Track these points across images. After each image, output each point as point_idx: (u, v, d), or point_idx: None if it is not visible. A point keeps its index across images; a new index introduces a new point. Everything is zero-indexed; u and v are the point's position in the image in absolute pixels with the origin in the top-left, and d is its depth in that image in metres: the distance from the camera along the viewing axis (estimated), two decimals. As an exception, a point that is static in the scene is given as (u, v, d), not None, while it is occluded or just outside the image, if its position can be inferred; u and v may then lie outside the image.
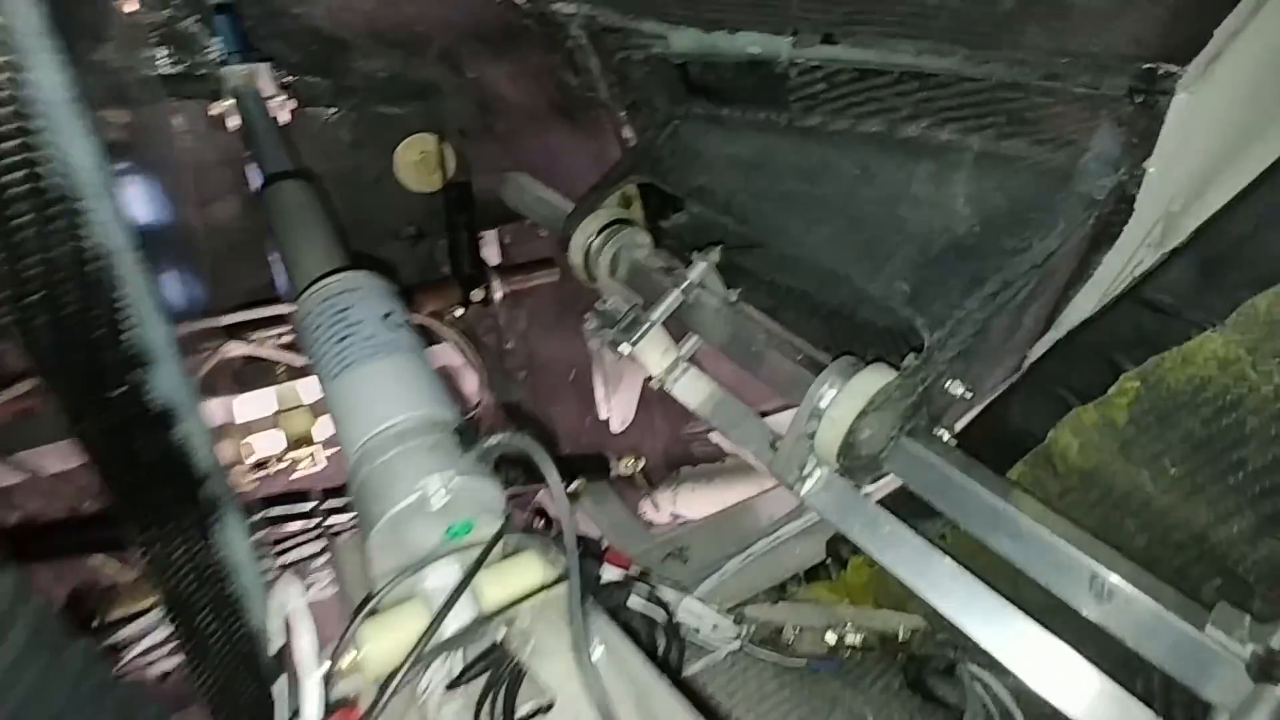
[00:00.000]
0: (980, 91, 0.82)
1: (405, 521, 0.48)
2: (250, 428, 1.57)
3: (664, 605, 0.69)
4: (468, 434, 0.50)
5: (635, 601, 0.65)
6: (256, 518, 0.88)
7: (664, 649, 0.68)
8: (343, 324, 0.56)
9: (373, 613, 0.49)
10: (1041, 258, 0.76)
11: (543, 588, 0.50)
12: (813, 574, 1.07)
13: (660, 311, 0.93)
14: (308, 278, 0.61)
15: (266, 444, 1.56)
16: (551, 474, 0.48)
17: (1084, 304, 0.85)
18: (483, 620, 0.49)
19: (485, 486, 0.51)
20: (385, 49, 1.37)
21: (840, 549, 1.01)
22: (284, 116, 1.09)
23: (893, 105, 0.89)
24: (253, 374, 1.51)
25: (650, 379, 0.96)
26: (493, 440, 0.49)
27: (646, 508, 1.70)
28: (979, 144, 0.85)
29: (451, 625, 0.48)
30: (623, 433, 1.81)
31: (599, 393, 1.09)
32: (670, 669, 0.70)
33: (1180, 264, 0.62)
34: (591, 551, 0.87)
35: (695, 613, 0.85)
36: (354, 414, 0.52)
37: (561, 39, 1.14)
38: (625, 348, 0.94)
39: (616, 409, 1.10)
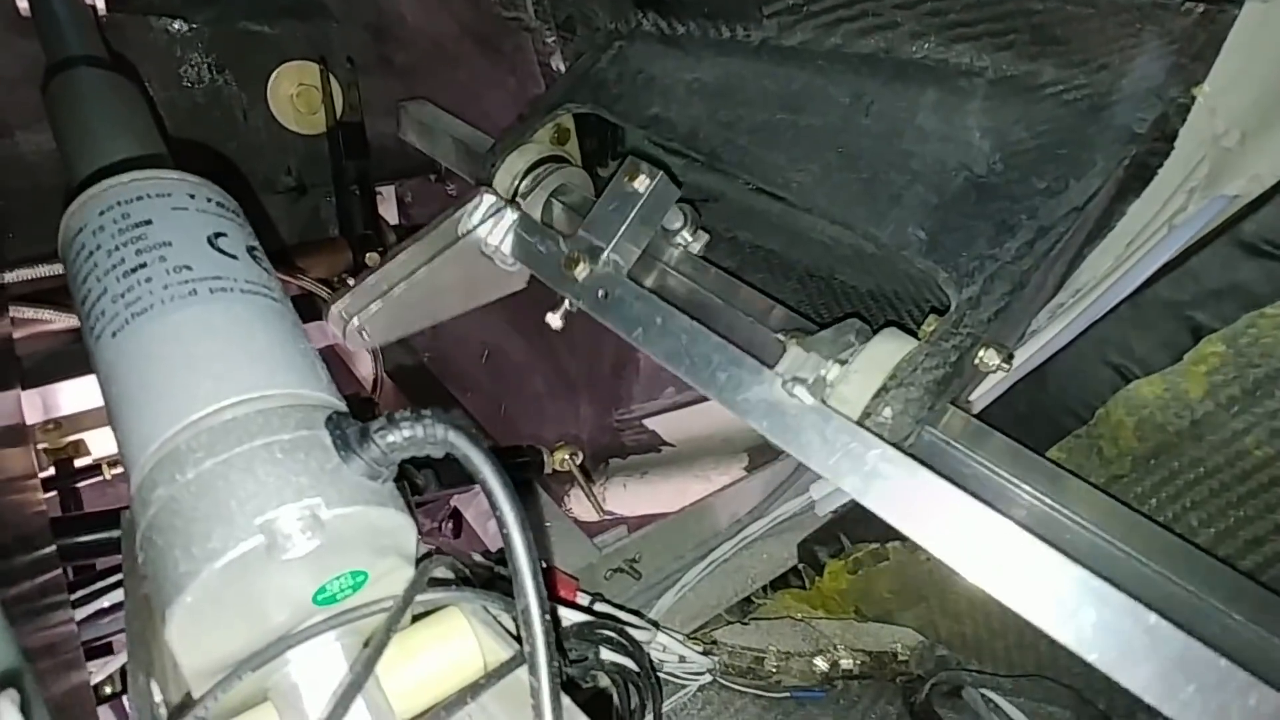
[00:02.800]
0: (1001, 3, 0.68)
1: (236, 583, 0.26)
2: (81, 421, 1.27)
3: (640, 649, 0.51)
4: (350, 426, 0.30)
5: (609, 655, 0.47)
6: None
7: (641, 703, 0.50)
8: (136, 246, 0.33)
9: (190, 732, 0.29)
10: (1082, 200, 0.63)
11: (491, 674, 0.31)
12: (779, 582, 0.92)
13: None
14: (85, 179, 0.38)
15: (102, 443, 1.26)
16: (495, 483, 0.29)
17: (1100, 261, 0.73)
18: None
19: (383, 514, 0.29)
20: (252, -52, 1.10)
21: (817, 552, 0.86)
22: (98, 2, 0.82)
23: (892, 20, 0.74)
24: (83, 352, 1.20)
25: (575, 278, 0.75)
26: (397, 432, 0.29)
27: (572, 503, 1.52)
28: (996, 68, 0.71)
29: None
30: (546, 422, 1.61)
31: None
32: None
33: (1298, 195, 0.50)
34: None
35: (660, 644, 0.68)
36: (147, 395, 0.29)
37: (477, -64, 0.92)
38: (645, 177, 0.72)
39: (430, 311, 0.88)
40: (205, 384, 0.29)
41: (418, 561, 0.33)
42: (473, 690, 0.30)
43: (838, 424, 0.55)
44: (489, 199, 0.79)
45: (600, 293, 0.70)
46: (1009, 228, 0.63)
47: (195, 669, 0.29)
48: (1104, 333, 0.60)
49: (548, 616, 0.28)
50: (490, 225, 0.79)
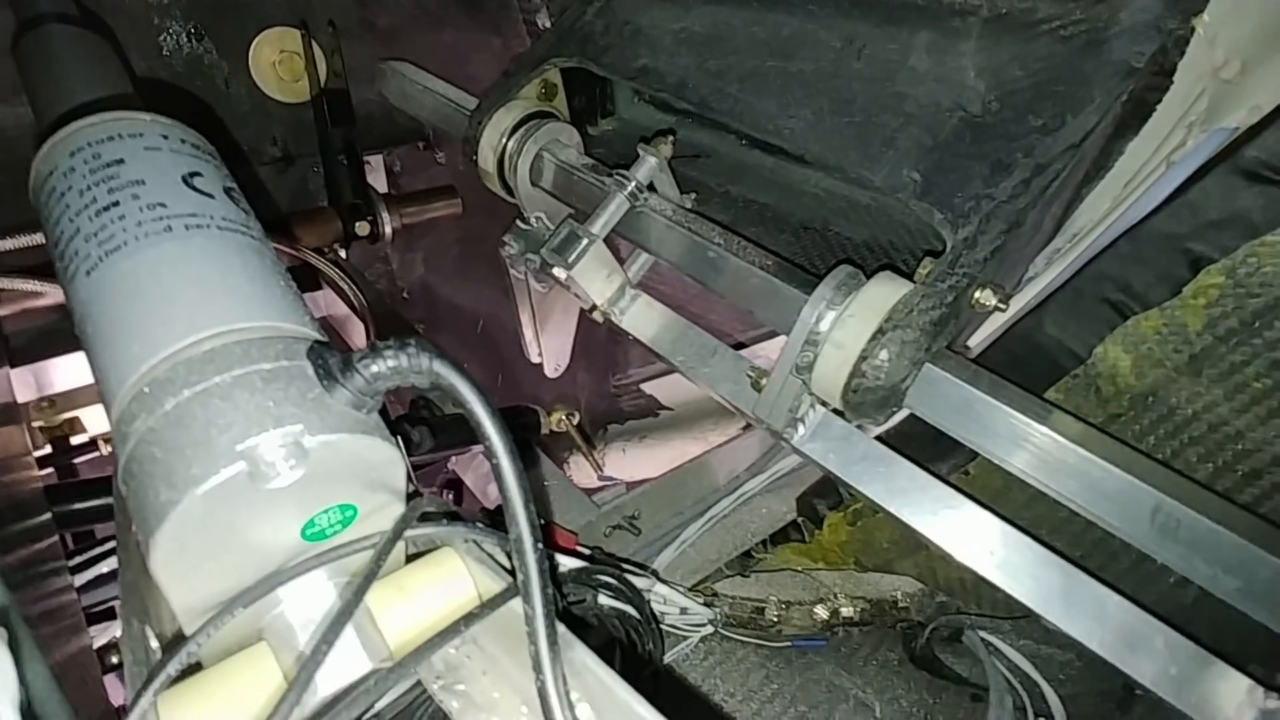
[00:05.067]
0: (995, -64, 0.66)
1: (219, 512, 0.26)
2: (75, 398, 1.26)
3: (638, 594, 0.51)
4: (332, 355, 0.29)
5: (607, 601, 0.47)
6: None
7: (642, 648, 0.50)
8: (108, 186, 0.32)
9: (184, 674, 0.29)
10: (1079, 136, 0.62)
11: (485, 605, 0.31)
12: (780, 536, 0.92)
13: (602, 223, 0.73)
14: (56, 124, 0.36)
15: (97, 420, 1.26)
16: (481, 411, 0.28)
17: (1099, 203, 0.72)
18: (384, 673, 0.29)
19: (369, 444, 0.28)
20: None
21: (816, 505, 0.86)
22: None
23: (884, -41, 0.72)
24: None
25: (592, 309, 0.77)
26: (381, 362, 0.28)
27: (572, 469, 1.52)
28: (990, 6, 0.69)
29: (328, 683, 0.28)
30: (543, 389, 1.60)
31: (527, 332, 0.89)
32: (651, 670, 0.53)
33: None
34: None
35: (660, 596, 0.68)
36: (122, 331, 0.28)
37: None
38: (560, 271, 0.73)
39: (550, 349, 0.90)
40: (182, 316, 0.28)
41: (409, 499, 0.33)
42: (466, 620, 0.30)
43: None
44: (508, 251, 0.79)
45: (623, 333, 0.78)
46: (1005, 167, 0.62)
47: (185, 605, 0.28)
48: (1101, 269, 0.59)
49: (540, 545, 0.28)
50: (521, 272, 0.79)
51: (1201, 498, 0.48)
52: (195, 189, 0.34)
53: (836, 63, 0.73)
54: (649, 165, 0.72)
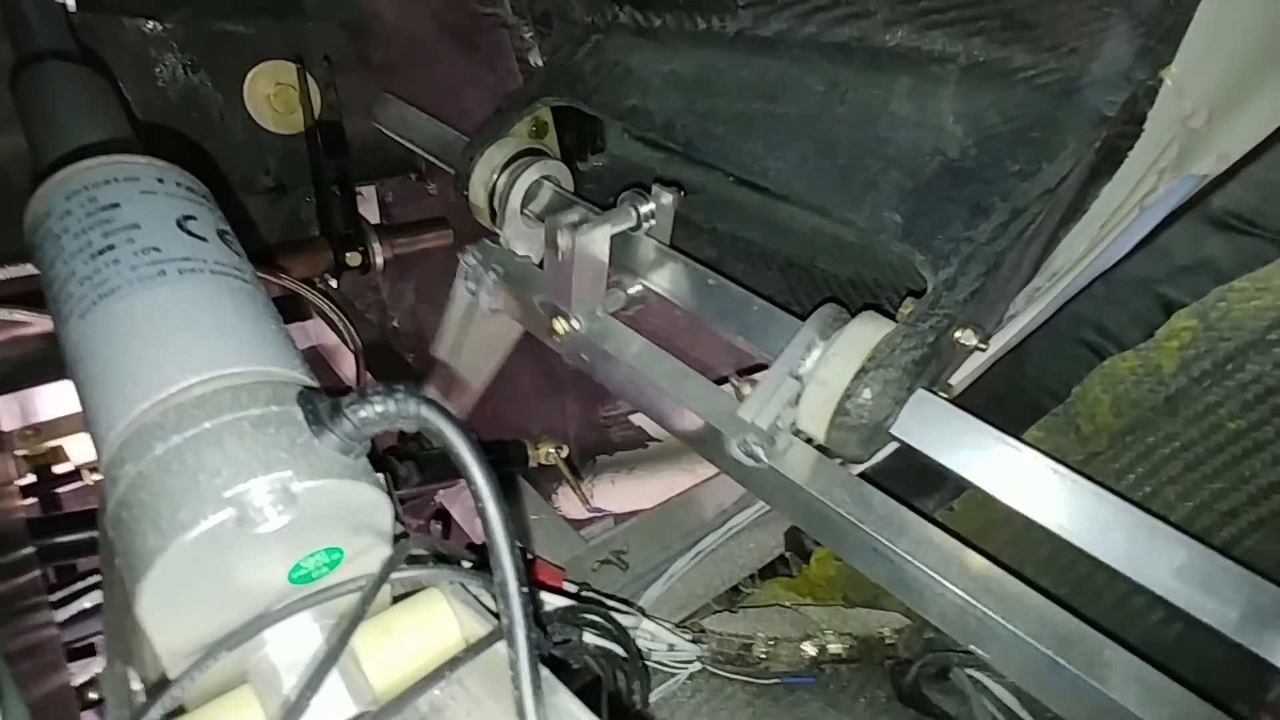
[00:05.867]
0: (973, -12, 0.69)
1: (207, 557, 0.26)
2: (60, 427, 1.25)
3: (624, 633, 0.51)
4: (321, 401, 0.29)
5: (593, 639, 0.47)
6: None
7: (628, 687, 0.50)
8: (103, 229, 0.33)
9: (167, 717, 0.29)
10: (1054, 181, 0.64)
11: (469, 649, 0.31)
12: (768, 570, 0.92)
13: (616, 216, 0.72)
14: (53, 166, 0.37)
15: (82, 449, 1.25)
16: (469, 456, 0.29)
17: (1075, 244, 0.74)
18: (369, 717, 0.29)
19: (356, 489, 0.29)
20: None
21: (804, 540, 0.86)
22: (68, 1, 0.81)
23: (866, 9, 0.74)
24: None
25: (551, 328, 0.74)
26: (369, 407, 0.28)
27: (560, 501, 1.52)
28: (968, 54, 0.71)
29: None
30: (533, 420, 1.60)
31: (442, 349, 0.88)
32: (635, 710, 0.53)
33: (1262, 169, 0.51)
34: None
35: (648, 632, 0.68)
36: (114, 374, 0.29)
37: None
38: (565, 237, 0.70)
39: (473, 376, 0.88)
40: (173, 361, 0.29)
41: (395, 540, 0.33)
42: (451, 664, 0.30)
43: (788, 485, 0.59)
44: (469, 261, 0.80)
45: (582, 355, 0.75)
46: (983, 210, 0.64)
47: (170, 649, 0.28)
48: (1078, 311, 0.61)
49: (525, 589, 0.28)
50: (475, 287, 0.80)
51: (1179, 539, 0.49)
52: (189, 233, 0.34)
53: (820, 106, 0.75)
54: (663, 202, 0.72)
